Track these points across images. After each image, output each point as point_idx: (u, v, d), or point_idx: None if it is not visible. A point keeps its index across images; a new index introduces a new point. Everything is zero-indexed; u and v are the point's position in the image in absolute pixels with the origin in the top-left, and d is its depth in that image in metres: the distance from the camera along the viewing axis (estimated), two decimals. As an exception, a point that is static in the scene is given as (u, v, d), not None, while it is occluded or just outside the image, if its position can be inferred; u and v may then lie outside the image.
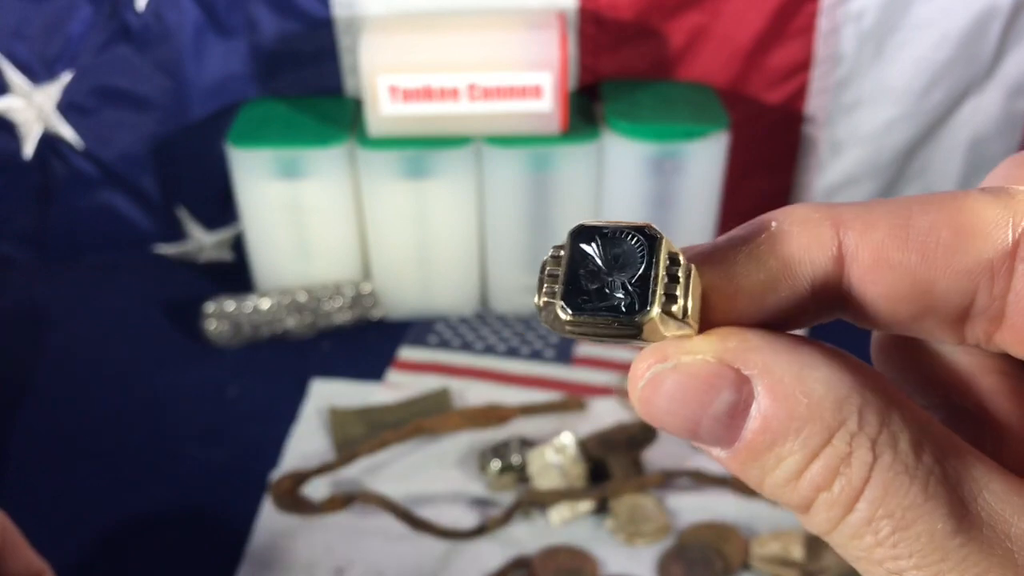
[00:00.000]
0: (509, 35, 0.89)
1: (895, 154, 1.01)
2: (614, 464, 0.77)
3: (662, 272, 0.18)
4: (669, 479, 0.76)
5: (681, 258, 0.18)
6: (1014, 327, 0.17)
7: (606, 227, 0.18)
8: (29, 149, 1.02)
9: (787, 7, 0.93)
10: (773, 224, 0.18)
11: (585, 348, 0.94)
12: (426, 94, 0.88)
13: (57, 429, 0.87)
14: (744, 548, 0.72)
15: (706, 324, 0.19)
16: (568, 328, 0.18)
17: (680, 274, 0.18)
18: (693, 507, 0.76)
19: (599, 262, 0.18)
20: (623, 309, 0.17)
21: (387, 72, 0.87)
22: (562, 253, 0.18)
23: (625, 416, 0.84)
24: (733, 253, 0.18)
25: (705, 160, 0.92)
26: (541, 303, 0.19)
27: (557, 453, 0.77)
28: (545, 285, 0.19)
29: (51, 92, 0.98)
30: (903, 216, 0.17)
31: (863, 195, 1.03)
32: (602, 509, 0.76)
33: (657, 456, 0.79)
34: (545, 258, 0.19)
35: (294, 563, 0.72)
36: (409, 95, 0.88)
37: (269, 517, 0.75)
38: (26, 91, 0.98)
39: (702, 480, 0.77)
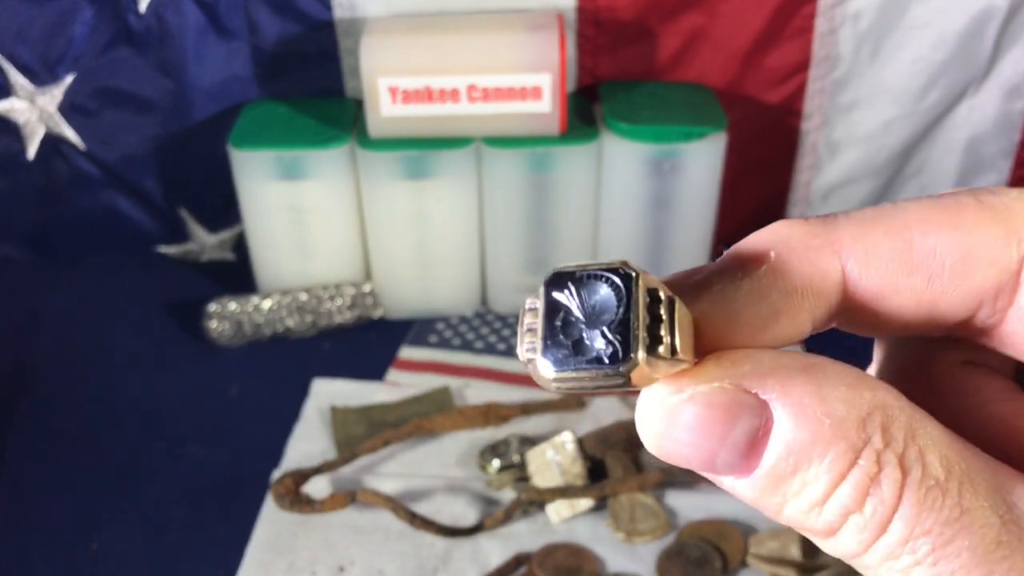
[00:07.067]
0: (508, 37, 0.90)
1: (892, 154, 1.01)
2: (613, 462, 0.78)
3: (642, 313, 0.16)
4: (668, 477, 0.77)
5: (662, 293, 0.17)
6: (1011, 333, 0.17)
7: (579, 271, 0.17)
8: (32, 150, 1.03)
9: (785, 8, 0.93)
10: (772, 254, 0.18)
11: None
12: (426, 95, 0.88)
13: (59, 428, 0.88)
14: (743, 546, 0.72)
15: (700, 353, 0.18)
16: (555, 385, 0.17)
17: (663, 311, 0.17)
18: (692, 505, 0.76)
19: (576, 311, 0.17)
20: (606, 360, 0.16)
21: (387, 74, 0.88)
22: (538, 305, 0.17)
23: (624, 415, 0.84)
24: (733, 287, 0.18)
25: (703, 160, 0.92)
26: (525, 359, 0.17)
27: (556, 451, 0.78)
28: (526, 340, 0.17)
29: (54, 94, 0.99)
30: (905, 239, 0.17)
31: (861, 195, 1.04)
32: (601, 507, 0.76)
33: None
34: (522, 308, 0.18)
35: (296, 561, 0.73)
36: (409, 96, 0.88)
37: (271, 515, 0.76)
38: (29, 93, 0.99)
39: (701, 479, 0.77)
